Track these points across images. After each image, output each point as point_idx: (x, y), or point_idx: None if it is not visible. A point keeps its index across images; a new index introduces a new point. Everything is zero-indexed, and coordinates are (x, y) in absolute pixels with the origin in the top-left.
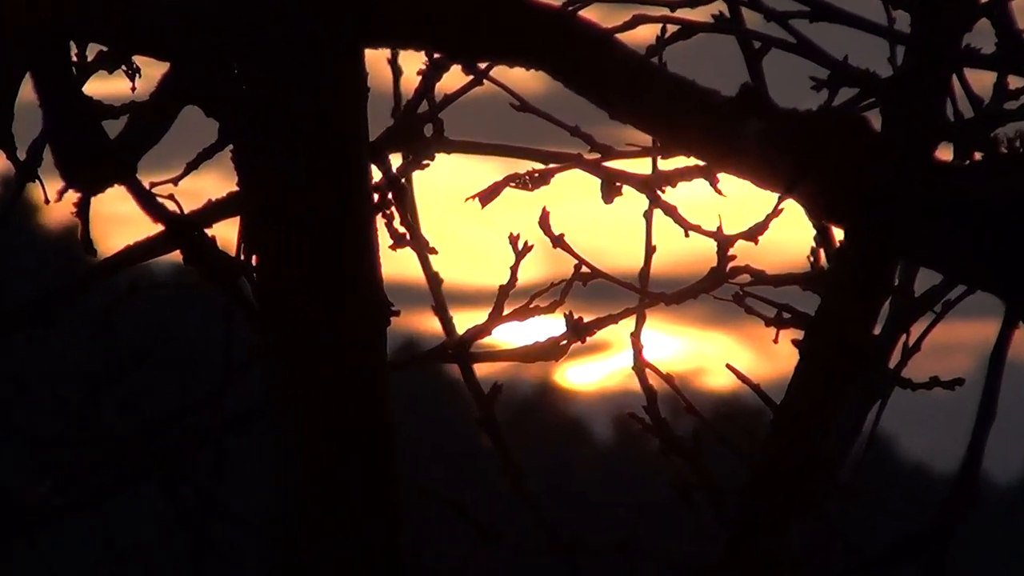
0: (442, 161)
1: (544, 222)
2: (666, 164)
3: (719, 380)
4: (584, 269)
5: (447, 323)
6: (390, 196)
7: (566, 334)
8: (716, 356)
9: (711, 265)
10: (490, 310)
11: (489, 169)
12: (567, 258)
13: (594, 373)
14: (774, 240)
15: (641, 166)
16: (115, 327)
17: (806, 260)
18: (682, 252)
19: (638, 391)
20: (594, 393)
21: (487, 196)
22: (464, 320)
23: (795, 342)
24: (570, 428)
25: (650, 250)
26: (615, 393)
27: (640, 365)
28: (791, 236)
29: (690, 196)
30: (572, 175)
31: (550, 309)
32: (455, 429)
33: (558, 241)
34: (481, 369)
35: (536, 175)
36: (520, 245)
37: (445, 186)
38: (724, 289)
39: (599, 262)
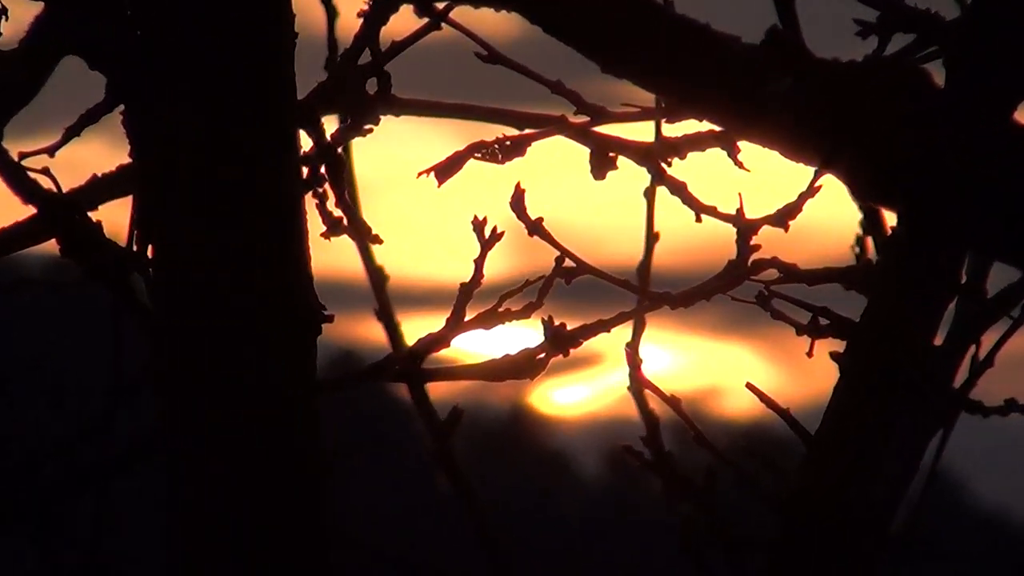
0: (389, 126)
1: (518, 203)
2: (672, 130)
3: (738, 403)
4: (568, 263)
5: (394, 331)
6: (323, 170)
7: (545, 346)
8: (734, 373)
9: (729, 257)
10: (448, 315)
11: (448, 136)
12: (547, 249)
13: (581, 394)
14: (809, 226)
15: (641, 132)
16: None
17: (849, 251)
18: (692, 241)
19: (635, 418)
20: (581, 420)
21: (445, 170)
22: (416, 327)
23: (834, 355)
24: (551, 463)
25: (652, 238)
26: (607, 420)
27: (638, 385)
28: (830, 221)
29: (703, 170)
30: (553, 143)
31: (525, 314)
32: (404, 464)
33: (535, 227)
34: (437, 389)
35: (508, 143)
36: (487, 232)
37: (393, 158)
38: (745, 288)
39: (587, 254)
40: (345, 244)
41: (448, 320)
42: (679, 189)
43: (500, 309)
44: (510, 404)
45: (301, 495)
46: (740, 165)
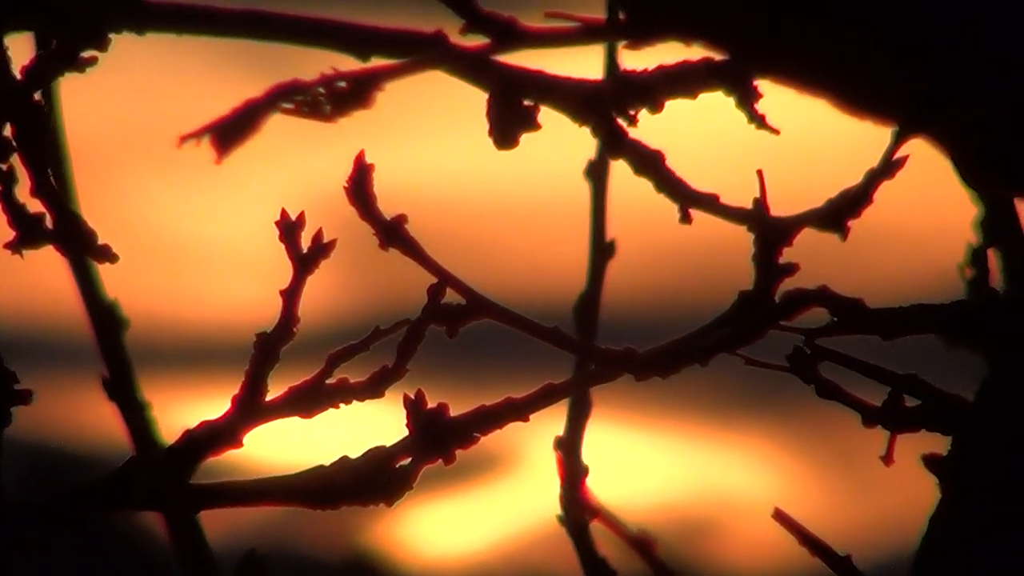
0: (129, 52)
1: (361, 190)
2: (638, 60)
3: (751, 539)
4: (451, 295)
5: (138, 417)
6: (7, 133)
7: (410, 444)
8: (743, 486)
9: (739, 286)
10: (237, 390)
11: (237, 74)
12: (412, 270)
13: (472, 531)
14: (882, 231)
15: (582, 64)
16: None
17: (956, 275)
18: (673, 256)
19: (570, 569)
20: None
21: (229, 133)
22: (177, 410)
23: (930, 460)
24: None
25: (602, 253)
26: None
27: (579, 514)
28: (922, 222)
29: (690, 134)
30: (423, 85)
31: (373, 388)
32: None
33: (392, 232)
34: (219, 521)
35: (342, 86)
36: (305, 242)
37: (133, 113)
38: (770, 343)
39: (486, 279)
40: (50, 262)
41: (237, 398)
42: (651, 164)
43: (330, 380)
44: (345, 548)
45: None
46: (763, 122)
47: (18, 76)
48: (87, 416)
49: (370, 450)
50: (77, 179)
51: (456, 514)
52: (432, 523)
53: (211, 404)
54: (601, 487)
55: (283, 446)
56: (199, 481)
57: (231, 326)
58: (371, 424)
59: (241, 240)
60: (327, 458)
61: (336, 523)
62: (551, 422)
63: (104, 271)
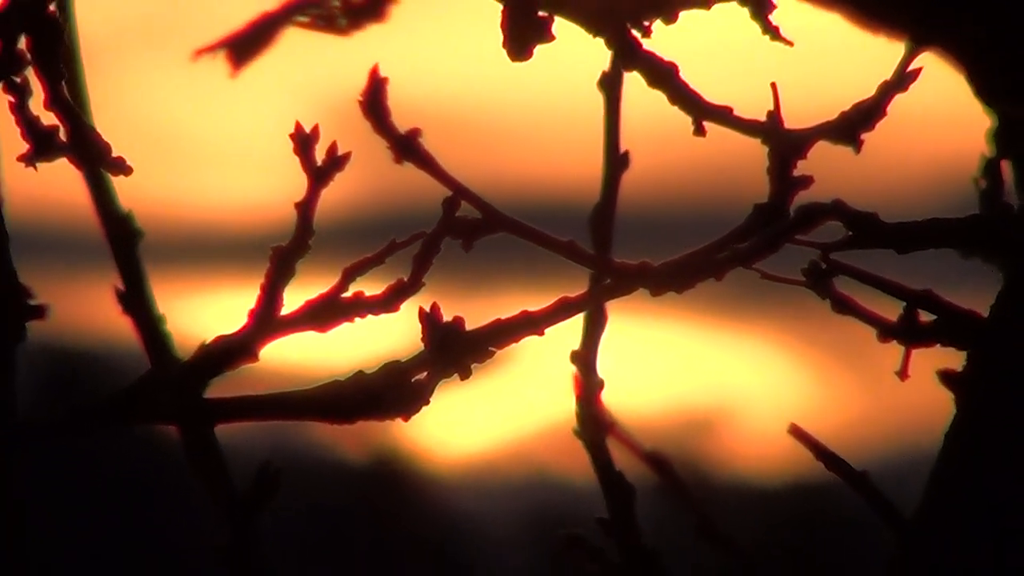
0: None
1: (376, 104)
2: None
3: (758, 436)
4: (466, 208)
5: (154, 331)
6: (24, 45)
7: (427, 357)
8: (752, 388)
9: (755, 199)
10: (254, 303)
11: None
12: (427, 184)
13: (486, 440)
14: (895, 145)
15: None
16: None
17: (970, 189)
18: (687, 168)
19: (586, 481)
20: (485, 482)
21: (243, 47)
22: (193, 322)
23: (946, 375)
24: (432, 558)
25: (616, 164)
26: (532, 484)
27: (594, 427)
28: (935, 135)
29: (703, 46)
30: None
31: (390, 302)
32: (175, 556)
33: (407, 146)
34: (235, 434)
35: (358, 0)
36: (319, 154)
37: (148, 18)
38: (785, 256)
39: (501, 192)
40: (64, 174)
41: (254, 312)
42: (665, 76)
43: (345, 293)
44: (365, 456)
45: None
46: (777, 34)
47: None
48: (104, 329)
49: (385, 364)
50: (90, 82)
51: (470, 424)
52: (447, 432)
53: (227, 311)
54: (615, 396)
55: (301, 359)
56: (214, 395)
57: (246, 231)
58: (385, 336)
59: (257, 151)
60: (342, 372)
61: (358, 432)
62: (566, 334)
63: (120, 184)
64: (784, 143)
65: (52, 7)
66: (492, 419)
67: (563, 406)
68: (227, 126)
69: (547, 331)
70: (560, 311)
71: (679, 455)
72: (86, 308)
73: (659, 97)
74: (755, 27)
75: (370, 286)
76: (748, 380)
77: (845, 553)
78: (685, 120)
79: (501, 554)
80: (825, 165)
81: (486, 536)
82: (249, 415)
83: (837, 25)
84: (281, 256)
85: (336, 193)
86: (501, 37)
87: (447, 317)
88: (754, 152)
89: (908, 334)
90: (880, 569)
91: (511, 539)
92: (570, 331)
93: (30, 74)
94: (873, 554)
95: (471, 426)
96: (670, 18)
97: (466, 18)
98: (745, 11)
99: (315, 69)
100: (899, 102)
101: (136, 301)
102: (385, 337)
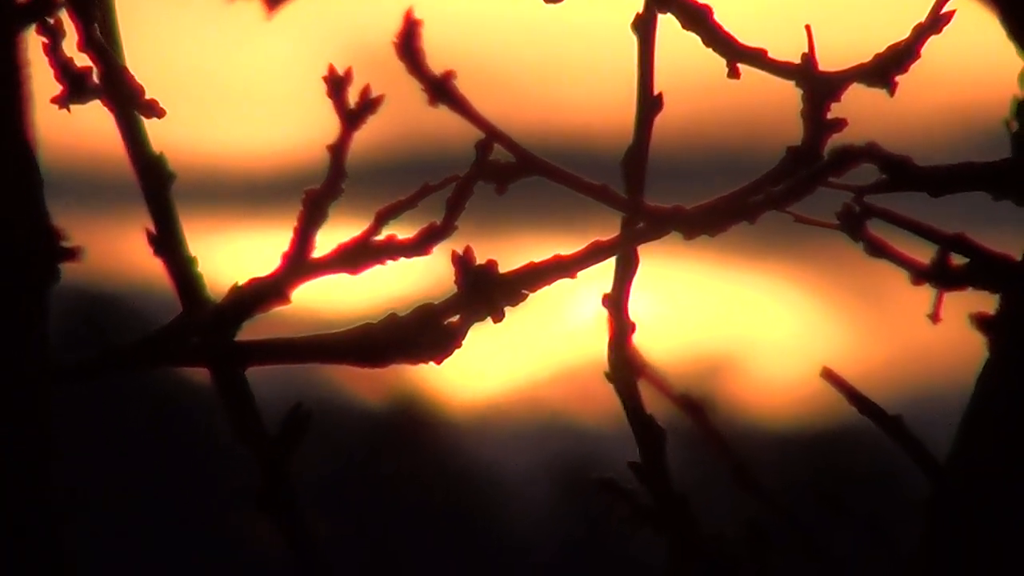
0: None
1: (410, 46)
2: None
3: (787, 377)
4: (499, 152)
5: (185, 272)
6: None
7: (459, 300)
8: (789, 336)
9: (788, 142)
10: (288, 246)
11: None
12: (460, 126)
13: (515, 381)
14: (929, 87)
15: None
16: None
17: (1002, 131)
18: (721, 111)
19: (616, 424)
20: (514, 425)
21: None
22: (223, 263)
23: (979, 319)
24: (461, 501)
25: (649, 107)
26: (562, 426)
27: (625, 369)
28: (969, 77)
29: None
30: None
31: (422, 245)
32: (203, 498)
33: (440, 89)
34: (265, 376)
35: None
36: (352, 97)
37: None
38: (817, 200)
39: (535, 135)
40: (96, 117)
41: (287, 254)
42: (698, 19)
43: (378, 236)
44: (391, 398)
45: (35, 538)
46: None
47: None
48: (136, 271)
49: (418, 307)
50: (123, 24)
51: (499, 366)
52: (475, 374)
53: (259, 254)
54: (645, 337)
55: (332, 302)
56: (246, 337)
57: (279, 174)
58: (416, 278)
59: (287, 94)
60: (377, 314)
61: (385, 375)
62: (597, 278)
63: (152, 127)
64: (818, 86)
65: None
66: (509, 364)
67: (588, 351)
68: (260, 68)
69: (579, 274)
70: (592, 254)
71: (707, 398)
72: (118, 250)
73: (693, 39)
74: None
75: (402, 229)
76: (779, 324)
77: (872, 501)
78: (719, 63)
79: (522, 499)
80: (859, 108)
81: (505, 481)
82: (281, 358)
83: None
84: (314, 199)
85: (368, 136)
86: None
87: (480, 260)
88: (788, 95)
89: (940, 277)
90: (901, 518)
91: (531, 483)
92: (599, 275)
93: (64, 16)
94: (896, 504)
95: (489, 370)
96: None
97: None
98: None
99: (349, 11)
100: (932, 44)
101: (168, 243)
102: (416, 280)
